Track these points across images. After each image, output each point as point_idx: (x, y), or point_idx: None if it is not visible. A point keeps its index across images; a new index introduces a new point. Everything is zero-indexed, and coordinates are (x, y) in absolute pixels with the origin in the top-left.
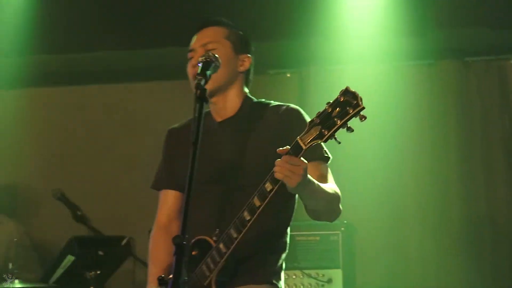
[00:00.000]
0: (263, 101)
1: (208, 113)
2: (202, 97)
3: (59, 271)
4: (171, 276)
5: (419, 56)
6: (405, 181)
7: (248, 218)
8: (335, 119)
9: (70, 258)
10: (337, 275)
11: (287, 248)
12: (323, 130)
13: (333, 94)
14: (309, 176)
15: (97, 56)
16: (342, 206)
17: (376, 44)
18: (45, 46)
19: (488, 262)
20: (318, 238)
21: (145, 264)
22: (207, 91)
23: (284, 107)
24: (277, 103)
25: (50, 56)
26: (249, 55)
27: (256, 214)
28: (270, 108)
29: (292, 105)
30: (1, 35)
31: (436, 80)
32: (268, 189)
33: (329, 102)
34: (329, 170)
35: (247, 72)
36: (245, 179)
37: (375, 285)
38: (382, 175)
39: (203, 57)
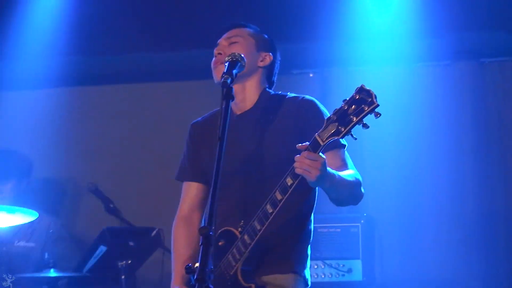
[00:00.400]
0: (279, 94)
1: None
2: (228, 95)
3: (92, 261)
4: (197, 264)
5: (436, 57)
6: (422, 177)
7: (270, 211)
8: (351, 116)
9: (102, 249)
10: (357, 265)
11: (311, 236)
12: (340, 127)
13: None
14: (329, 169)
15: (130, 57)
16: (362, 199)
17: (395, 45)
18: (82, 48)
19: (501, 253)
20: (339, 230)
21: None
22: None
23: (300, 98)
24: (293, 94)
25: (87, 57)
26: (270, 53)
27: (278, 207)
28: (286, 100)
29: (308, 96)
30: (42, 37)
31: (452, 80)
32: (289, 184)
33: (345, 100)
34: (347, 154)
35: (268, 68)
36: (266, 170)
37: (393, 274)
38: (400, 171)
39: (230, 57)
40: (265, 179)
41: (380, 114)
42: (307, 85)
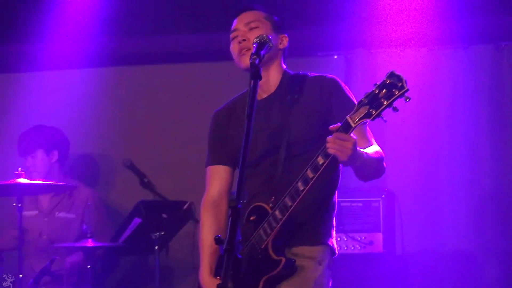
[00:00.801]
0: (300, 74)
1: None
2: (256, 75)
3: (127, 232)
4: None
5: (456, 40)
6: (440, 154)
7: (302, 188)
8: (382, 100)
9: (137, 221)
10: (378, 237)
11: (336, 207)
12: (371, 110)
13: (376, 75)
14: (358, 148)
15: (165, 39)
16: (383, 175)
17: (416, 29)
18: (118, 29)
19: None
20: (361, 204)
21: None
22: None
23: (323, 77)
24: (314, 74)
25: (122, 39)
26: (285, 34)
27: (309, 185)
28: (309, 79)
29: (329, 75)
30: (79, 19)
31: (471, 62)
32: (320, 163)
33: (376, 84)
34: (368, 129)
35: (285, 49)
36: (293, 147)
37: (412, 246)
38: (419, 149)
39: (258, 39)
40: (292, 156)
41: (410, 98)
42: (332, 66)
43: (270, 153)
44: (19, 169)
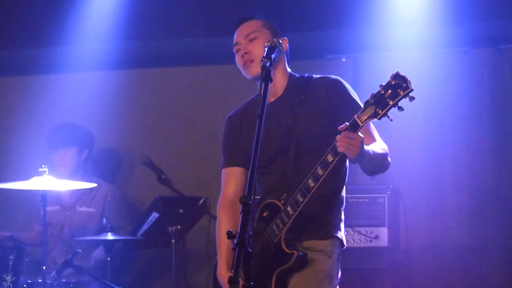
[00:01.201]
0: (304, 76)
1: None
2: (267, 77)
3: (145, 226)
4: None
5: (458, 43)
6: (444, 153)
7: (312, 185)
8: (388, 100)
9: (155, 215)
10: (383, 232)
11: (344, 202)
12: (377, 109)
13: (383, 77)
14: (365, 146)
15: (185, 42)
16: (388, 173)
17: (421, 32)
18: (139, 33)
19: None
20: (367, 200)
21: None
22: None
23: (327, 78)
24: (318, 75)
25: (143, 42)
26: (285, 37)
27: (320, 182)
28: (314, 81)
29: (333, 77)
30: (102, 23)
31: (472, 65)
32: (330, 160)
33: (381, 85)
34: (373, 126)
35: (287, 52)
36: (302, 146)
37: (416, 241)
38: (424, 147)
39: (269, 43)
40: (301, 155)
41: (414, 98)
42: (340, 69)
43: (281, 153)
44: (43, 165)
